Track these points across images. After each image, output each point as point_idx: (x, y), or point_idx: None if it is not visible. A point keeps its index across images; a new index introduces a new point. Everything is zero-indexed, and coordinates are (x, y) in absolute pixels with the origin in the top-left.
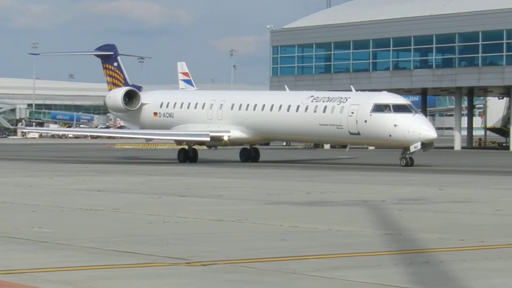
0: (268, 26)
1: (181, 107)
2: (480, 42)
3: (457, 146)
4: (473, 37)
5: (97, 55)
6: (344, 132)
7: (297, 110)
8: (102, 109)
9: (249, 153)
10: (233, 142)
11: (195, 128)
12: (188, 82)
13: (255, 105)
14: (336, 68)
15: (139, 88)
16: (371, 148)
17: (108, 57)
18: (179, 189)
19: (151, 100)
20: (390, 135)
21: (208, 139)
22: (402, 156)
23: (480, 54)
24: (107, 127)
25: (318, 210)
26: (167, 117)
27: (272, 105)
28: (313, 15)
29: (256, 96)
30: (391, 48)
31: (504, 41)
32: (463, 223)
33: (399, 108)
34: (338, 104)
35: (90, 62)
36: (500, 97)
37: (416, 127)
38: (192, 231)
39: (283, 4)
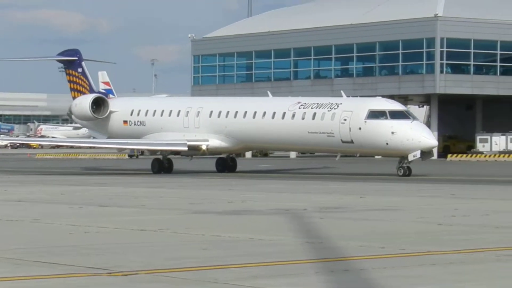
0: (189, 35)
1: (153, 115)
2: (400, 51)
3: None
4: (393, 45)
5: (60, 61)
6: (336, 140)
7: (283, 117)
8: (22, 119)
9: (226, 163)
10: (212, 152)
11: (170, 136)
12: (109, 91)
13: (236, 112)
14: (257, 77)
15: (107, 95)
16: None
17: (71, 62)
18: (100, 199)
19: (121, 107)
20: (387, 143)
21: (186, 148)
22: (399, 166)
23: (400, 63)
24: (28, 137)
25: (240, 219)
26: (138, 125)
27: (255, 112)
28: (234, 24)
29: (236, 102)
30: (312, 57)
31: (424, 49)
32: (384, 231)
33: (396, 115)
34: (328, 111)
35: (10, 71)
36: (420, 106)
37: (416, 134)
38: (114, 241)
39: (205, 13)
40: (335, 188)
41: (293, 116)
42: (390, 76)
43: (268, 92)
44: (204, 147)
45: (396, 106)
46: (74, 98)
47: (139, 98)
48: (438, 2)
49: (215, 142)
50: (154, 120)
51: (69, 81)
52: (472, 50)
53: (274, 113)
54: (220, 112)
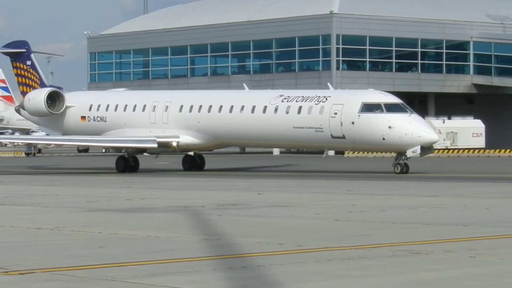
0: (85, 32)
1: (115, 110)
2: (297, 48)
3: (276, 151)
4: (290, 42)
5: (5, 53)
6: (325, 135)
7: (264, 111)
8: None
9: (194, 161)
10: (183, 149)
11: (135, 133)
12: (5, 89)
13: (210, 106)
14: (154, 74)
15: (60, 89)
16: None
17: (19, 54)
18: None
19: (78, 102)
20: (383, 138)
21: (155, 145)
22: (396, 162)
23: (296, 60)
24: None
25: (138, 217)
26: (99, 121)
27: (232, 106)
28: (131, 21)
29: (210, 96)
30: (209, 54)
31: (320, 46)
32: (282, 227)
33: (392, 108)
34: (316, 104)
35: None
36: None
37: (415, 129)
38: (9, 240)
39: (101, 10)
40: (236, 185)
41: (276, 110)
42: (287, 73)
43: (244, 84)
44: (174, 144)
45: (392, 98)
46: (23, 93)
47: (98, 92)
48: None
49: (187, 138)
50: (116, 115)
51: (17, 75)
52: (367, 47)
53: (254, 107)
54: (191, 107)
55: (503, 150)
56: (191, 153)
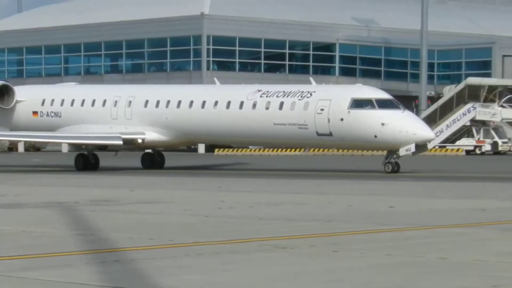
0: None
1: (71, 105)
2: (168, 48)
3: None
4: (161, 43)
5: None
6: (310, 132)
7: (240, 107)
8: None
9: (154, 158)
10: (148, 146)
11: (94, 129)
12: None
13: (179, 101)
14: (28, 73)
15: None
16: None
17: None
18: None
19: (29, 96)
20: (375, 136)
21: (120, 142)
22: (386, 161)
23: (168, 60)
24: None
25: (12, 212)
26: (53, 116)
27: (204, 101)
28: (4, 20)
29: (179, 90)
30: (82, 53)
31: (191, 47)
32: (153, 223)
33: (384, 104)
34: (300, 100)
35: None
36: None
37: (410, 126)
38: None
39: None
40: (107, 181)
41: (254, 105)
42: (159, 73)
43: (215, 79)
44: (140, 141)
45: (383, 94)
46: None
47: (51, 86)
48: (204, 0)
49: (153, 135)
50: (72, 110)
51: None
52: (237, 48)
53: (229, 102)
54: (158, 102)
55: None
56: (151, 150)
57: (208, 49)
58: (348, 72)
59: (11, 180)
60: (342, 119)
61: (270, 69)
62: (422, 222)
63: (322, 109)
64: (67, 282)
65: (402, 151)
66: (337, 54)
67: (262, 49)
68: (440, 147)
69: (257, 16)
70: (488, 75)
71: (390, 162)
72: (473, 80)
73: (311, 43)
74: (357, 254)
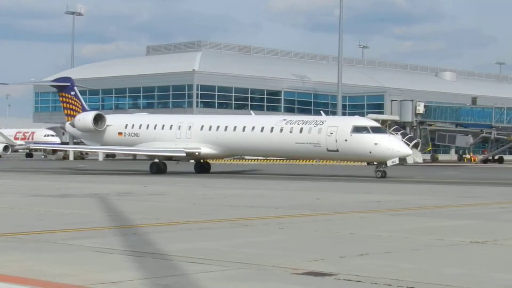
0: None
1: (147, 128)
2: (171, 92)
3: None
4: (166, 89)
5: (54, 85)
6: (322, 149)
7: (271, 131)
8: None
9: (203, 166)
10: (203, 157)
11: (162, 145)
12: None
13: (226, 126)
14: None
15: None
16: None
17: (64, 87)
18: None
19: (115, 122)
20: (370, 152)
21: (184, 154)
22: (377, 169)
23: (171, 100)
24: None
25: (64, 200)
26: (133, 136)
27: (244, 127)
28: (66, 71)
29: (225, 119)
30: (113, 95)
31: (186, 92)
32: (158, 208)
33: (376, 130)
34: (315, 126)
35: None
36: None
37: (395, 145)
38: None
39: None
40: (130, 180)
41: (281, 130)
42: (164, 109)
43: (251, 111)
44: (197, 153)
45: (374, 123)
46: (67, 115)
47: (131, 115)
48: (195, 60)
49: (207, 150)
50: (147, 132)
51: (63, 102)
52: (216, 93)
53: (263, 127)
54: (210, 126)
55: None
56: (202, 160)
57: (197, 94)
58: (290, 110)
59: (90, 178)
60: (346, 140)
61: (238, 107)
62: (338, 209)
63: (331, 133)
64: (101, 247)
65: (389, 163)
66: (282, 98)
67: (233, 94)
68: None
69: (229, 72)
70: (382, 112)
71: (380, 170)
72: (372, 116)
73: (265, 90)
74: (296, 230)
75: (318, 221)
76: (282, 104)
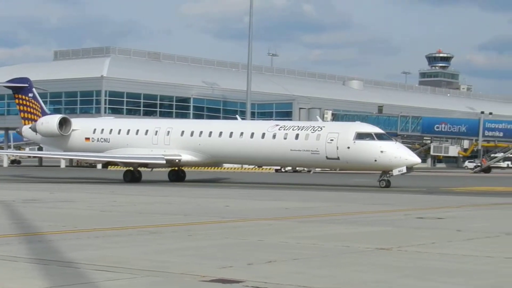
0: None
1: (119, 133)
2: (79, 98)
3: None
4: (75, 94)
5: (9, 87)
6: (321, 157)
7: (262, 137)
8: None
9: (178, 174)
10: (184, 164)
11: (137, 152)
12: None
13: (210, 132)
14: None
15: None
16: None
17: (21, 88)
18: None
19: (82, 126)
20: (375, 160)
21: (164, 161)
22: (381, 178)
23: (78, 106)
24: None
25: None
26: (102, 142)
27: (231, 132)
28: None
29: (208, 124)
30: None
31: (94, 98)
32: (65, 215)
33: (380, 136)
34: (312, 132)
35: None
36: None
37: (403, 153)
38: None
39: None
40: (37, 187)
41: (274, 136)
42: (71, 114)
43: (237, 116)
44: (177, 161)
45: (378, 129)
46: (24, 119)
47: (98, 119)
48: (104, 66)
49: (188, 157)
50: (119, 137)
51: (19, 104)
52: (125, 99)
53: (253, 133)
54: (192, 132)
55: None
56: (176, 168)
57: (105, 100)
58: (199, 117)
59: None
60: (348, 147)
61: (146, 113)
62: (247, 216)
63: (331, 140)
64: (6, 255)
65: (395, 172)
66: (191, 104)
67: (142, 100)
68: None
69: (139, 79)
70: (290, 119)
71: (384, 179)
72: None
73: (174, 97)
74: (204, 237)
75: (227, 228)
76: (191, 111)
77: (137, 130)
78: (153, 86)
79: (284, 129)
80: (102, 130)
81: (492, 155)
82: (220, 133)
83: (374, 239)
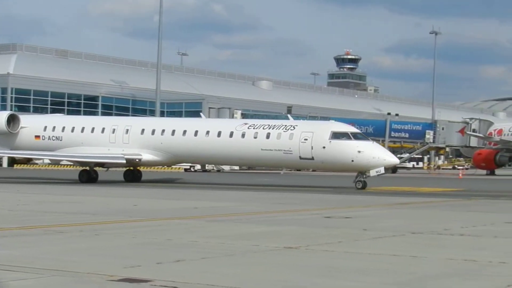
0: None
1: (72, 131)
2: None
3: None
4: None
5: None
6: (294, 157)
7: (231, 136)
8: None
9: (134, 174)
10: (145, 164)
11: (92, 151)
12: None
13: (173, 130)
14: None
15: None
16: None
17: None
18: None
19: (31, 124)
20: (352, 160)
21: (124, 161)
22: (357, 179)
23: None
24: None
25: None
26: (54, 140)
27: (196, 131)
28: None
29: (172, 122)
30: None
31: (0, 95)
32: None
33: (357, 136)
34: (285, 131)
35: None
36: None
37: (381, 153)
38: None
39: None
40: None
41: (243, 135)
42: None
43: (201, 114)
44: (137, 160)
45: (353, 129)
46: None
47: (50, 116)
48: (10, 63)
49: (149, 156)
50: (73, 136)
51: None
52: (32, 97)
53: (220, 132)
54: (153, 130)
55: None
56: (132, 167)
57: (11, 97)
58: (108, 115)
59: None
60: (324, 147)
61: (54, 111)
62: (156, 216)
63: (305, 139)
64: None
65: (372, 172)
66: (100, 103)
67: (49, 98)
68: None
69: (46, 76)
70: None
71: (360, 180)
72: None
73: (82, 95)
74: (112, 236)
75: (135, 227)
76: (100, 110)
77: (93, 128)
78: (60, 84)
79: (254, 128)
80: (54, 127)
81: (399, 155)
82: (184, 132)
83: (282, 238)
